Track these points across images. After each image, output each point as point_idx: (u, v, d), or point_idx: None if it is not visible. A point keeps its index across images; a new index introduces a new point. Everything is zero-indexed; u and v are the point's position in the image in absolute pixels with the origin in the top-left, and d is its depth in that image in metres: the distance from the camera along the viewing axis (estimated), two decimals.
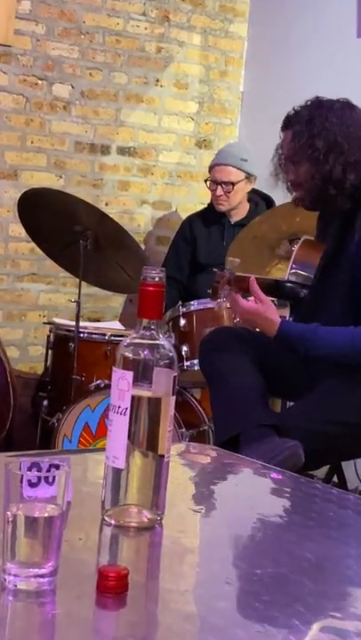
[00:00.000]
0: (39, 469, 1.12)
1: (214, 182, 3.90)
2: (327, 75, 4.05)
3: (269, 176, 2.63)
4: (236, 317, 3.30)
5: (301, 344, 2.48)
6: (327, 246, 2.64)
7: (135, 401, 1.32)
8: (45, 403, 3.55)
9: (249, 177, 3.90)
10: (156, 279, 1.34)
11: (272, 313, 2.51)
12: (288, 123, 2.58)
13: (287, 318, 2.70)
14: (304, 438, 2.40)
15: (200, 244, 4.03)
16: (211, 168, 3.96)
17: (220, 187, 3.89)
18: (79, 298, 3.48)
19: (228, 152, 3.97)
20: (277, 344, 2.53)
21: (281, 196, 2.85)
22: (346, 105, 2.55)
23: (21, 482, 1.10)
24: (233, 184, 3.87)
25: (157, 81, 4.45)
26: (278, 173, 2.60)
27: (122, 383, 1.33)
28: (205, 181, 3.98)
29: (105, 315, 4.40)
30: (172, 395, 1.35)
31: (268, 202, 4.01)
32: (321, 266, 2.64)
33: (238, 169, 3.87)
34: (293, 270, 2.71)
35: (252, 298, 2.55)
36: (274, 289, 2.69)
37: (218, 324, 3.34)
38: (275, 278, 2.78)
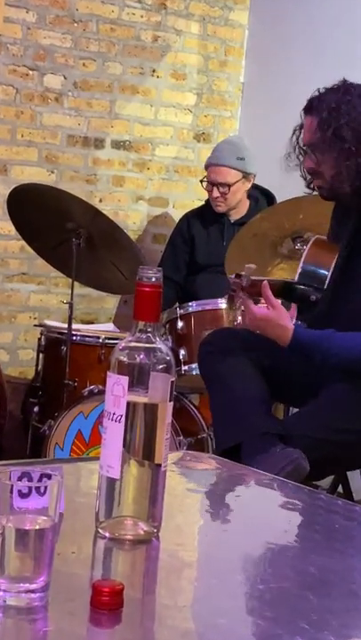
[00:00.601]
0: (30, 479, 1.12)
1: (210, 183, 3.90)
2: (332, 65, 4.05)
3: (283, 157, 2.59)
4: (238, 320, 3.31)
5: (318, 352, 2.44)
6: (341, 248, 2.62)
7: (131, 407, 1.32)
8: (36, 409, 3.55)
9: (247, 176, 3.89)
10: (153, 279, 1.34)
11: (285, 319, 2.48)
12: (312, 107, 2.54)
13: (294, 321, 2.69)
14: (308, 447, 2.39)
15: (198, 243, 4.03)
16: (206, 167, 3.95)
17: (215, 188, 3.88)
18: (72, 299, 3.48)
19: (223, 151, 3.95)
20: (290, 352, 2.50)
21: (283, 191, 2.85)
22: None
23: (11, 492, 1.10)
24: (229, 186, 3.87)
25: (154, 71, 4.45)
26: (294, 156, 2.57)
27: (117, 389, 1.33)
28: (201, 182, 3.97)
29: (99, 317, 4.40)
30: (170, 401, 1.35)
31: (269, 198, 4.01)
32: (337, 268, 2.61)
33: (235, 169, 3.87)
34: (303, 271, 2.68)
35: (263, 303, 2.54)
36: (283, 291, 2.65)
37: (217, 326, 3.34)
38: (284, 279, 2.75)
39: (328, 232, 2.74)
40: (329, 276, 2.62)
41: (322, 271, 2.66)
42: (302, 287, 2.60)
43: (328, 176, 2.51)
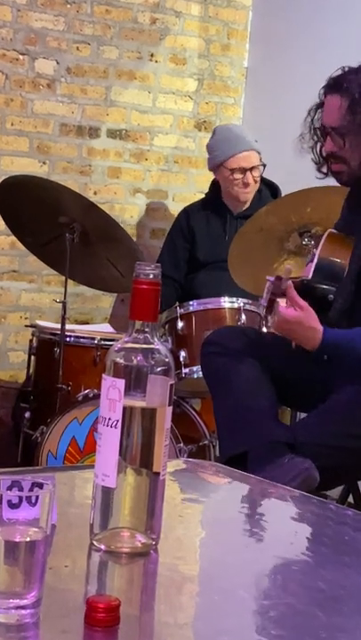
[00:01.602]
0: (20, 489, 1.12)
1: (243, 169, 3.88)
2: (340, 48, 4.05)
3: (296, 139, 2.59)
4: (242, 319, 3.30)
5: (351, 351, 2.44)
6: (357, 241, 2.60)
7: (127, 412, 1.32)
8: (27, 415, 3.55)
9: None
10: (151, 276, 1.34)
11: (315, 321, 2.47)
12: (336, 86, 2.52)
13: None
14: (318, 454, 2.39)
15: (199, 238, 4.03)
16: (229, 157, 3.90)
17: (249, 173, 3.88)
18: (65, 298, 3.48)
19: (246, 137, 3.95)
20: (319, 354, 2.48)
21: (289, 183, 2.84)
22: None
23: (0, 502, 1.10)
24: (264, 166, 3.89)
25: (152, 56, 4.45)
26: (308, 137, 2.57)
27: (112, 392, 1.33)
28: (233, 171, 3.90)
29: (94, 316, 4.40)
30: (169, 405, 1.35)
31: (274, 189, 4.01)
32: (355, 260, 2.60)
33: (258, 152, 3.90)
34: (318, 268, 2.65)
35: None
36: (301, 291, 2.59)
37: (220, 327, 3.34)
38: (302, 279, 2.73)
39: (338, 222, 2.73)
40: (346, 272, 2.60)
41: (338, 268, 2.63)
42: (322, 287, 2.57)
43: (352, 160, 2.51)
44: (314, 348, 2.47)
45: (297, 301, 2.47)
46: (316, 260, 2.66)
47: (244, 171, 3.89)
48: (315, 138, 2.57)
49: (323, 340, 2.45)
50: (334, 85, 2.54)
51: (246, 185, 3.91)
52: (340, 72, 2.55)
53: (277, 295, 2.51)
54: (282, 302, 2.50)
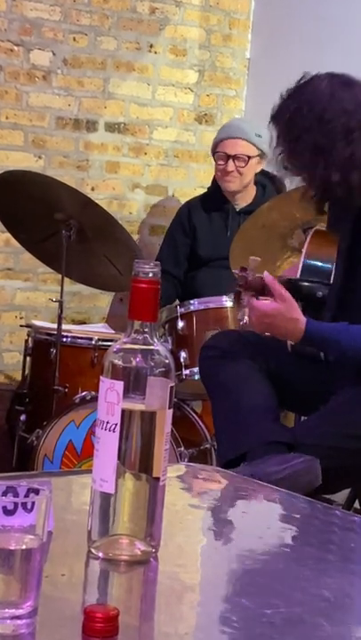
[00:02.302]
0: (15, 494, 1.12)
1: (225, 156, 3.90)
2: (346, 37, 4.06)
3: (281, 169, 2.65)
4: (245, 320, 3.31)
5: (333, 345, 2.47)
6: (341, 244, 2.63)
7: (126, 415, 1.32)
8: (23, 418, 3.55)
9: (262, 156, 3.91)
10: (150, 275, 1.34)
11: (296, 311, 2.48)
12: (275, 116, 2.59)
13: None
14: (320, 456, 2.40)
15: (200, 234, 4.03)
16: (219, 142, 3.95)
17: (231, 161, 3.89)
18: (61, 297, 3.48)
19: (241, 126, 3.97)
20: (302, 347, 2.51)
21: (293, 178, 2.85)
22: (339, 85, 2.52)
23: None
24: (249, 157, 3.88)
25: (151, 47, 4.45)
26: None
27: (111, 395, 1.33)
28: (213, 155, 3.96)
29: (91, 316, 4.40)
30: (169, 408, 1.35)
31: (278, 185, 4.01)
32: (340, 259, 2.64)
33: (253, 144, 3.89)
34: (305, 266, 2.70)
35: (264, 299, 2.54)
36: (288, 289, 2.64)
37: (221, 327, 3.34)
38: (288, 277, 2.77)
39: (327, 223, 2.76)
40: (334, 269, 2.63)
41: (325, 265, 2.67)
42: (308, 284, 2.60)
43: (313, 187, 2.54)
44: (298, 340, 2.49)
45: (278, 291, 2.48)
46: (302, 258, 2.70)
47: (226, 158, 3.90)
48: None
49: (305, 332, 2.46)
50: (272, 117, 2.60)
51: (226, 173, 3.91)
52: (277, 102, 2.60)
53: (244, 287, 2.53)
54: (251, 298, 2.51)
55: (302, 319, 2.48)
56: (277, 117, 2.56)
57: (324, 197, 2.58)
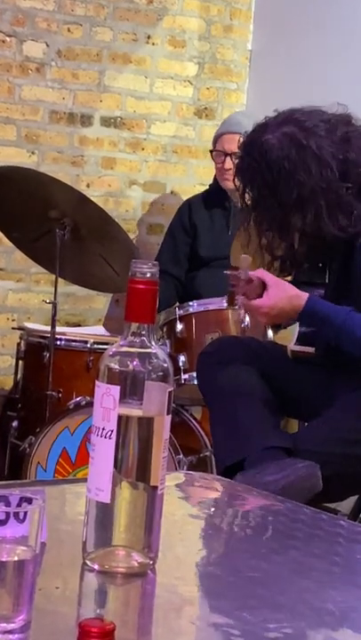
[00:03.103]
0: (7, 504, 1.12)
1: (222, 153, 3.91)
2: (349, 28, 4.06)
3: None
4: (246, 322, 3.32)
5: (332, 326, 2.49)
6: (329, 282, 2.66)
7: (123, 421, 1.32)
8: (15, 424, 3.55)
9: None
10: (148, 275, 1.34)
11: (292, 288, 2.53)
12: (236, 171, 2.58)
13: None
14: (322, 462, 2.41)
15: (201, 233, 4.03)
16: (218, 137, 3.97)
17: (228, 158, 3.89)
18: (55, 298, 3.48)
19: (239, 120, 3.98)
20: (302, 319, 2.54)
21: None
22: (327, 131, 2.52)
23: None
24: None
25: (149, 38, 4.46)
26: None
27: (106, 400, 1.33)
28: (211, 152, 3.98)
29: (86, 318, 4.40)
30: (167, 414, 1.35)
31: None
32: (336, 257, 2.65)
33: None
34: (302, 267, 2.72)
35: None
36: None
37: (222, 330, 3.34)
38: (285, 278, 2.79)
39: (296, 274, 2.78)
40: (328, 269, 2.65)
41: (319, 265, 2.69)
42: (305, 286, 2.62)
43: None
44: (298, 313, 2.53)
45: (267, 278, 2.52)
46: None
47: (224, 155, 3.90)
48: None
49: (306, 304, 2.51)
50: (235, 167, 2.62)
51: (225, 170, 3.92)
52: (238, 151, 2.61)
53: (236, 287, 2.57)
54: (241, 298, 2.56)
55: (303, 294, 2.52)
56: (239, 174, 2.58)
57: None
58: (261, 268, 2.62)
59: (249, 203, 2.56)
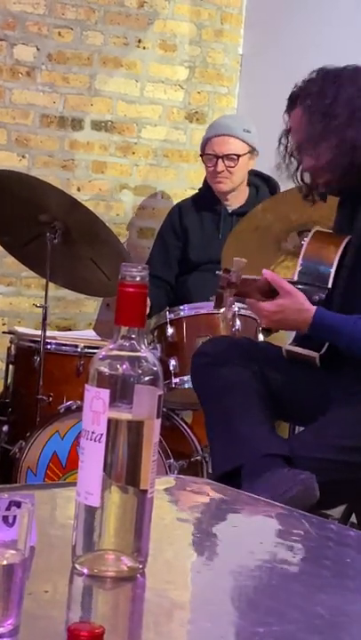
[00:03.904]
0: None
1: (213, 156, 3.91)
2: (341, 33, 4.07)
3: (274, 168, 2.68)
4: (237, 326, 3.32)
5: (343, 334, 2.50)
6: (354, 238, 2.65)
7: (112, 425, 1.32)
8: (5, 428, 3.55)
9: (252, 152, 3.92)
10: (138, 278, 1.34)
11: (304, 302, 2.54)
12: (294, 101, 2.63)
13: None
14: (317, 469, 2.41)
15: (192, 237, 4.03)
16: (207, 141, 3.96)
17: (220, 161, 3.90)
18: (46, 302, 3.48)
19: (227, 122, 3.98)
20: (312, 334, 2.55)
21: (286, 180, 2.87)
22: (358, 69, 2.61)
23: None
24: (238, 156, 3.88)
25: (139, 42, 4.46)
26: (286, 164, 2.66)
27: (96, 404, 1.33)
28: (201, 156, 3.98)
29: (77, 322, 4.40)
30: (157, 418, 1.35)
31: (272, 186, 4.02)
32: (347, 261, 2.64)
33: (242, 140, 3.89)
34: (303, 269, 2.71)
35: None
36: None
37: (213, 334, 3.34)
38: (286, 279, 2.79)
39: (335, 224, 2.78)
40: (333, 273, 2.65)
41: (324, 268, 2.68)
42: (304, 287, 2.62)
43: (334, 164, 2.57)
44: (306, 329, 2.55)
45: (284, 286, 2.54)
46: (300, 261, 2.72)
47: (215, 158, 3.90)
48: (292, 163, 2.65)
49: (314, 319, 2.52)
50: (291, 101, 2.65)
51: (216, 174, 3.92)
52: (295, 88, 2.65)
53: (224, 288, 2.58)
54: (254, 300, 2.57)
55: (311, 308, 2.53)
56: (301, 97, 2.60)
57: (340, 185, 2.60)
58: (267, 268, 2.64)
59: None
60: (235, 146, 3.89)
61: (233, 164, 3.90)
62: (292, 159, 2.68)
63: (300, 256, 2.76)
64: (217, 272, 2.63)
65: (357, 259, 2.62)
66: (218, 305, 2.63)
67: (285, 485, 2.36)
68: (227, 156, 3.90)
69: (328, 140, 2.56)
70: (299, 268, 2.72)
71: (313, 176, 2.67)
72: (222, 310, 2.64)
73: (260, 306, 2.56)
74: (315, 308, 2.52)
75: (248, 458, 2.49)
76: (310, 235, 2.81)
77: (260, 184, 4.04)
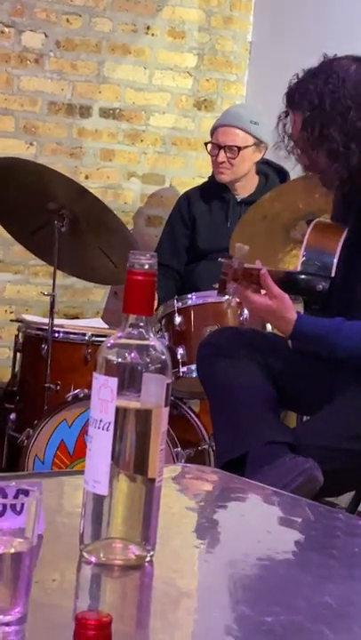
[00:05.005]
0: (4, 496, 1.12)
1: (216, 146, 3.91)
2: (350, 20, 4.05)
3: (273, 147, 2.67)
4: (244, 315, 3.32)
5: (324, 344, 2.49)
6: (349, 230, 2.65)
7: (120, 414, 1.32)
8: (13, 416, 3.55)
9: (259, 144, 3.91)
10: (146, 266, 1.34)
11: (288, 310, 2.53)
12: (293, 101, 2.58)
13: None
14: (323, 458, 2.41)
15: (200, 225, 4.03)
16: (214, 129, 3.97)
17: (222, 151, 3.89)
18: (54, 290, 3.48)
19: (235, 112, 3.98)
20: (295, 344, 2.54)
21: (296, 168, 2.87)
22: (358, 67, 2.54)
23: None
24: (239, 149, 3.88)
25: (148, 29, 4.45)
26: (285, 146, 2.64)
27: (104, 392, 1.33)
28: (206, 145, 3.98)
29: (84, 311, 4.40)
30: (165, 406, 1.35)
31: (282, 175, 4.01)
32: (346, 250, 2.65)
33: (246, 132, 3.88)
34: (306, 259, 2.72)
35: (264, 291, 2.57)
36: (286, 283, 2.68)
37: (220, 323, 3.34)
38: (285, 270, 2.79)
39: (333, 212, 2.78)
40: (336, 262, 2.65)
41: (327, 257, 2.69)
42: (306, 277, 2.63)
43: (328, 173, 2.56)
44: (286, 337, 2.58)
45: (272, 290, 2.54)
46: (303, 252, 2.72)
47: (218, 148, 3.90)
48: (289, 149, 2.63)
49: (293, 330, 2.52)
50: (290, 99, 2.60)
51: (218, 164, 3.91)
52: (294, 80, 2.59)
53: (228, 275, 2.57)
54: (247, 291, 2.56)
55: (293, 318, 2.53)
56: (300, 100, 2.56)
57: (336, 184, 2.60)
58: (268, 263, 2.63)
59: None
60: (238, 137, 3.88)
61: (234, 156, 3.89)
62: (290, 146, 2.66)
63: (303, 247, 2.77)
64: (219, 259, 2.63)
65: (350, 254, 2.63)
66: (221, 291, 2.63)
67: (289, 476, 2.36)
68: (229, 147, 3.89)
69: (323, 157, 2.54)
70: (302, 259, 2.73)
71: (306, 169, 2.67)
72: (226, 297, 2.64)
73: (251, 299, 2.56)
74: (295, 318, 2.52)
75: (253, 445, 2.50)
76: (311, 226, 2.81)
77: (270, 173, 4.03)
